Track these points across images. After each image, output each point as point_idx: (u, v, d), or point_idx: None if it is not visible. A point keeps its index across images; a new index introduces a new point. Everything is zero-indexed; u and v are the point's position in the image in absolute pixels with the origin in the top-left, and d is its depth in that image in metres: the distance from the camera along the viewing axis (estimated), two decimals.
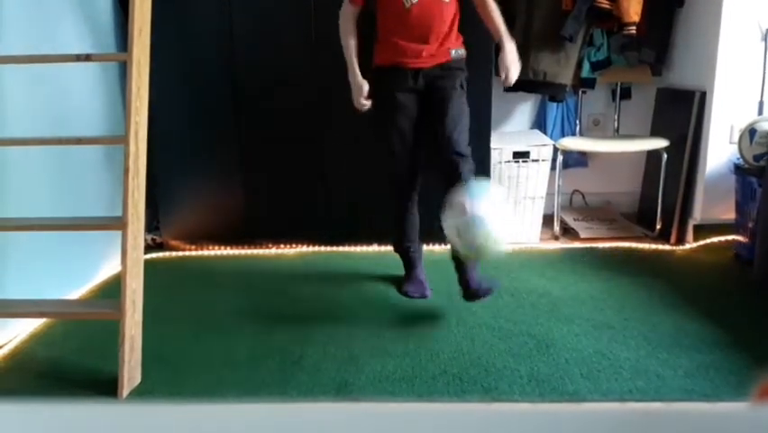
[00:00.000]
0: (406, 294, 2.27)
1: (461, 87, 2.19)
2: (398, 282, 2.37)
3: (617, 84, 3.35)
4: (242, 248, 3.01)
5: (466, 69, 2.24)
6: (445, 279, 2.51)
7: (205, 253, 3.00)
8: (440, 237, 2.88)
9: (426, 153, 2.24)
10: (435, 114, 2.14)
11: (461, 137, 2.10)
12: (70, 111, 2.48)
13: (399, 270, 2.43)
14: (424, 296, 2.27)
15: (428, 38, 2.11)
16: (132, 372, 1.77)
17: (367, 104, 2.19)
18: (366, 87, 2.18)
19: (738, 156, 2.68)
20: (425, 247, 2.49)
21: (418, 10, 2.07)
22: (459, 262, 2.14)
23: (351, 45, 2.19)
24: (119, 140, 1.78)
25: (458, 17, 2.17)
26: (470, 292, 2.12)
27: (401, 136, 2.19)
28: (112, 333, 1.78)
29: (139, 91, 1.76)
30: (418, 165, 2.25)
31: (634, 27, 2.93)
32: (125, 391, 1.74)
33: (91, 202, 2.60)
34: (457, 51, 2.18)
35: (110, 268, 2.73)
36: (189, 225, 3.02)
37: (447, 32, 2.14)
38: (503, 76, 2.12)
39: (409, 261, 2.38)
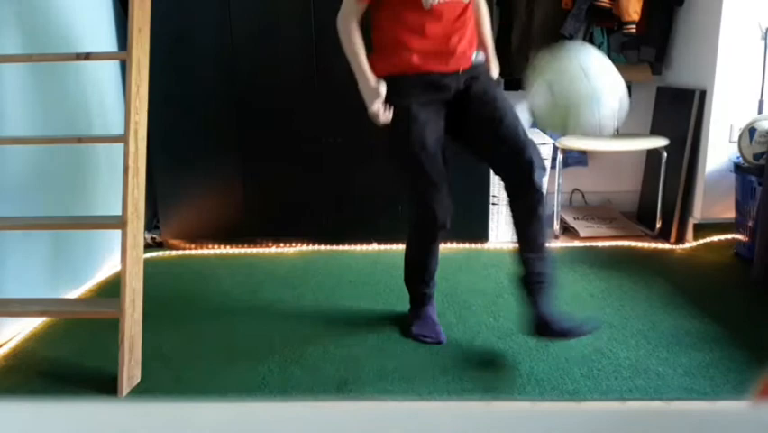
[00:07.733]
0: (416, 338, 2.01)
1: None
2: (402, 321, 2.13)
3: None
4: (242, 247, 3.01)
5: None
6: (445, 278, 2.51)
7: (205, 252, 3.00)
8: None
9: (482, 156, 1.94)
10: (484, 119, 1.84)
11: (527, 137, 1.82)
12: (70, 110, 2.48)
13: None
14: (438, 342, 1.98)
15: (450, 40, 1.81)
16: (131, 371, 1.77)
17: (384, 110, 1.79)
18: (384, 87, 1.78)
19: (738, 155, 2.68)
20: None
21: (441, 9, 1.76)
22: (530, 292, 1.83)
23: (359, 44, 1.80)
24: (119, 139, 1.78)
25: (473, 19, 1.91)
26: (543, 327, 1.77)
27: (429, 164, 1.82)
28: (112, 332, 1.78)
29: (138, 90, 1.76)
30: (449, 195, 1.87)
31: (634, 26, 2.93)
32: (125, 390, 1.74)
33: (90, 201, 2.60)
34: (477, 56, 1.92)
35: (110, 267, 2.73)
36: (189, 223, 3.02)
37: (468, 34, 1.88)
38: None
39: (421, 299, 2.11)
